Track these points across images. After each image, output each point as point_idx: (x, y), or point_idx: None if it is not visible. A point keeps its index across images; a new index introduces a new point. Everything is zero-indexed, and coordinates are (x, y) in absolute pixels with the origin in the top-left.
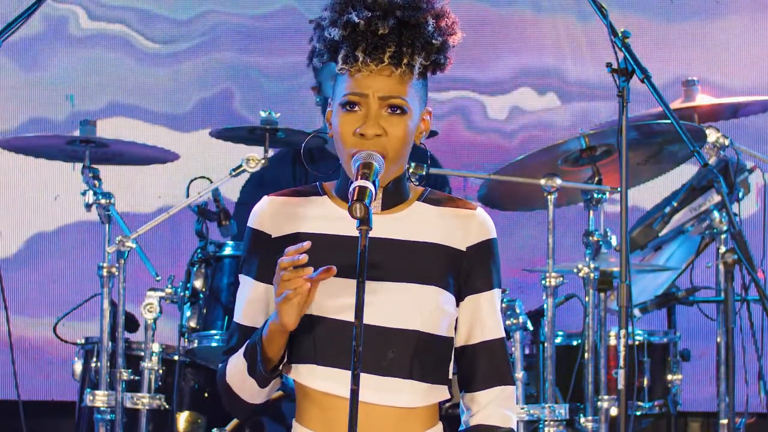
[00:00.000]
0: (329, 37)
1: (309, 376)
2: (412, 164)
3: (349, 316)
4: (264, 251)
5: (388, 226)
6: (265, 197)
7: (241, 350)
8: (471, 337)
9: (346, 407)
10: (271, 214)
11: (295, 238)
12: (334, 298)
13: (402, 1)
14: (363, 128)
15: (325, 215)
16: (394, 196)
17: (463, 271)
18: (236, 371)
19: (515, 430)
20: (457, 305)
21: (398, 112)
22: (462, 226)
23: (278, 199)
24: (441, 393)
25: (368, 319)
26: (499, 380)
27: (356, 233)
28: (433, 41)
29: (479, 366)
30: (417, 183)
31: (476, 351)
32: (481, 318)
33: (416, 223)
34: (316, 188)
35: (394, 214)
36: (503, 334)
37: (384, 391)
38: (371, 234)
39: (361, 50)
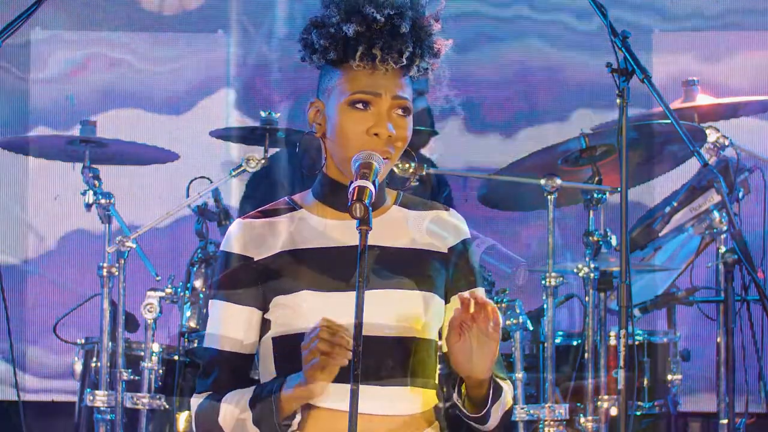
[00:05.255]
0: (341, 33)
1: None
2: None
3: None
4: (246, 275)
5: (372, 232)
6: (238, 221)
7: (241, 397)
8: None
9: (347, 420)
10: (251, 238)
11: (280, 257)
12: (330, 314)
13: (410, 1)
14: (377, 128)
15: (305, 228)
16: (378, 200)
17: (448, 272)
18: (236, 421)
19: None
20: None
21: (406, 114)
22: (441, 229)
23: (252, 221)
24: (435, 397)
25: (365, 330)
26: None
27: (343, 242)
28: (435, 46)
29: None
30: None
31: None
32: None
33: (397, 228)
34: (288, 203)
35: (375, 218)
36: None
37: (384, 401)
38: (356, 242)
39: (379, 48)
